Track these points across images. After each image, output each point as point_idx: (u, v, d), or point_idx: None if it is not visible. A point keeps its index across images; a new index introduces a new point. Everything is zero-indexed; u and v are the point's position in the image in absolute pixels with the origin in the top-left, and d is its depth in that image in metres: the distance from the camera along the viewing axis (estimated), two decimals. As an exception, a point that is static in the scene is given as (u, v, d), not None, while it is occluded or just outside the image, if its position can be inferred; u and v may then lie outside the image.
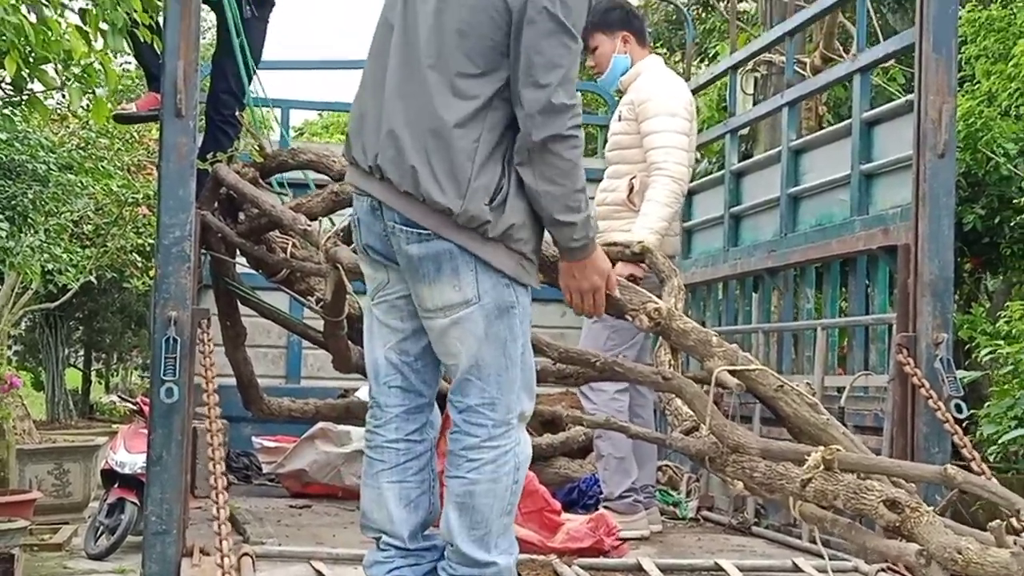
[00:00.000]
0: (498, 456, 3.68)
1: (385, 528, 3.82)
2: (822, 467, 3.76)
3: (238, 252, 5.72)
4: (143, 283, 14.08)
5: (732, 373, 4.13)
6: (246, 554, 4.37)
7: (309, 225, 5.11)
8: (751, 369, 4.21)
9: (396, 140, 3.61)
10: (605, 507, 5.91)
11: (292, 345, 8.65)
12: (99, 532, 11.39)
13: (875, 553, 3.90)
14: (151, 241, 11.66)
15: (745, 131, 10.44)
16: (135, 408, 9.78)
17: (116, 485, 10.64)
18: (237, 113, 5.95)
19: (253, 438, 7.56)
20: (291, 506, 6.52)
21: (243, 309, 6.46)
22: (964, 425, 5.10)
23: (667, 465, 7.40)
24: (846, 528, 3.80)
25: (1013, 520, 3.60)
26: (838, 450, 3.77)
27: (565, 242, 3.72)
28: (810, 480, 3.77)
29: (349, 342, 5.52)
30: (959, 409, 4.90)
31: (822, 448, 3.79)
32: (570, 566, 4.67)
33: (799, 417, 4.13)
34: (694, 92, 9.48)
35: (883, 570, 4.84)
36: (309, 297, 5.53)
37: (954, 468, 3.81)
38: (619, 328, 5.69)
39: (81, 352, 20.79)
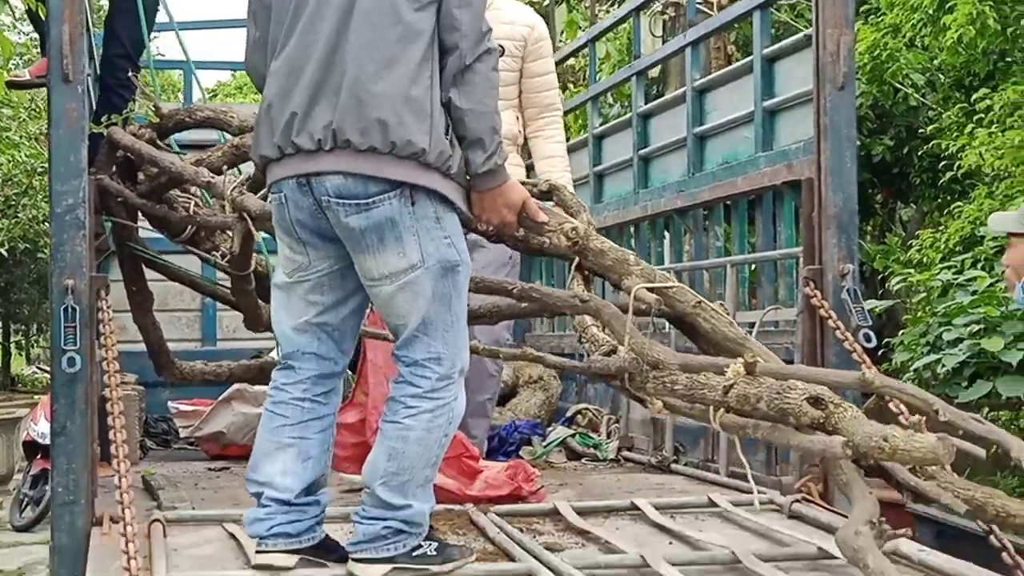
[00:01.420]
0: (436, 407, 3.73)
1: (273, 481, 3.81)
2: (744, 373, 3.77)
3: (140, 216, 5.64)
4: (58, 252, 13.90)
5: (650, 290, 4.12)
6: (156, 520, 4.32)
7: (213, 178, 5.03)
8: (669, 286, 4.21)
9: (356, 95, 3.60)
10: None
11: (207, 308, 8.59)
12: (24, 504, 11.29)
13: (800, 450, 3.91)
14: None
15: (656, 73, 10.44)
16: (54, 379, 9.66)
17: (38, 456, 10.53)
18: (131, 75, 5.87)
19: (169, 403, 7.49)
20: (210, 469, 6.47)
21: (151, 274, 6.39)
22: (880, 354, 5.15)
23: (587, 408, 7.43)
24: (769, 431, 3.80)
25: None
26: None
27: (484, 165, 3.75)
28: (732, 386, 3.78)
29: (259, 299, 5.48)
30: (867, 339, 4.92)
31: (742, 358, 3.80)
32: (486, 514, 4.66)
33: (717, 332, 4.14)
34: (600, 35, 9.51)
35: (798, 500, 4.88)
36: (215, 252, 5.47)
37: (872, 373, 3.86)
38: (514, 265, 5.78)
39: (-1, 324, 20.57)
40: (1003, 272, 5.51)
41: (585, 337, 4.34)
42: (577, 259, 4.40)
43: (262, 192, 4.40)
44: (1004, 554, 4.04)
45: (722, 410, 3.85)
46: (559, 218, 4.19)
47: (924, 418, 3.51)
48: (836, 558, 4.09)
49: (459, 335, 3.80)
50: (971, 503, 3.77)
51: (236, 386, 6.99)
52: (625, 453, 6.78)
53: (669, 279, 4.29)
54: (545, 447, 6.93)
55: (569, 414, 7.48)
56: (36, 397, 14.68)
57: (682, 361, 4.04)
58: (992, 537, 4.15)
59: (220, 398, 7.01)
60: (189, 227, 5.48)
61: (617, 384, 4.21)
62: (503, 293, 4.70)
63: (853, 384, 3.75)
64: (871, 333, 4.96)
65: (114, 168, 5.50)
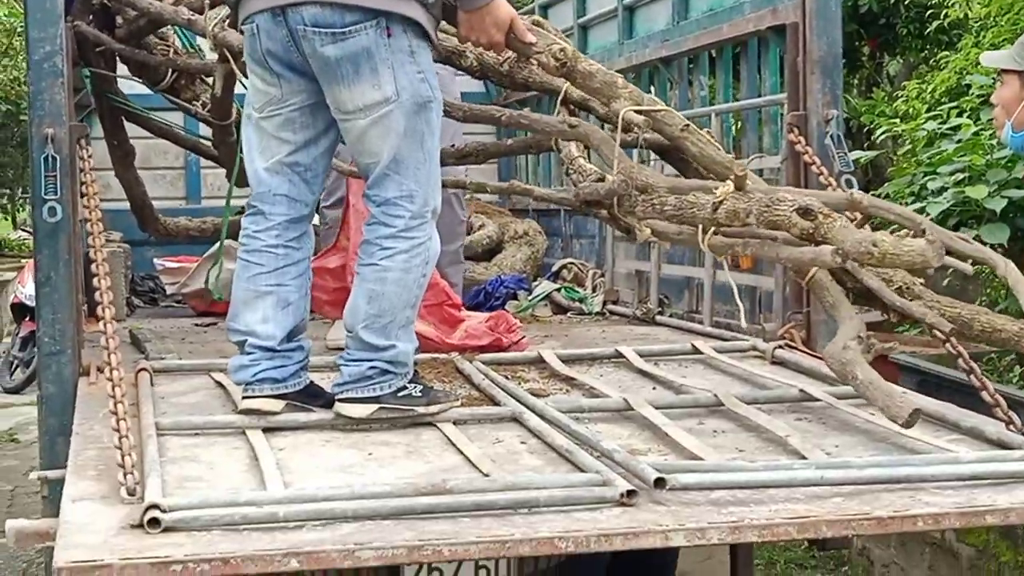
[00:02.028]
0: (412, 247, 3.74)
1: (255, 329, 3.84)
2: (733, 189, 3.76)
3: (119, 65, 5.57)
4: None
5: (639, 113, 4.08)
6: (143, 369, 4.35)
7: (193, 15, 4.96)
8: (657, 110, 4.18)
9: None
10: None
11: (190, 165, 8.52)
12: (14, 366, 11.38)
13: (790, 262, 3.91)
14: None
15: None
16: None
17: (27, 318, 10.57)
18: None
19: (155, 260, 7.49)
20: (197, 324, 6.49)
21: (133, 133, 6.35)
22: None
23: (572, 263, 7.46)
24: (759, 246, 3.82)
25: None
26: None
27: None
28: (721, 203, 3.76)
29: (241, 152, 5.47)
30: (849, 184, 4.91)
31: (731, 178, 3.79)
32: (471, 362, 4.68)
33: (705, 156, 4.12)
34: None
35: (780, 347, 4.91)
36: (195, 103, 5.41)
37: (860, 193, 3.85)
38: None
39: (-16, 189, 20.45)
40: (990, 120, 5.48)
41: (572, 168, 4.30)
42: (563, 93, 4.35)
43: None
44: (984, 393, 4.07)
45: (711, 231, 3.83)
46: (547, 39, 4.13)
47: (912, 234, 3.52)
48: (817, 400, 4.13)
49: (431, 174, 3.79)
50: (957, 320, 3.80)
51: (222, 242, 6.97)
52: (610, 306, 6.82)
53: (658, 102, 4.25)
54: (531, 301, 6.96)
55: (555, 269, 7.51)
56: (23, 261, 14.66)
57: (671, 184, 4.04)
58: (972, 377, 4.18)
59: (206, 254, 7.00)
60: (169, 73, 5.41)
61: (605, 215, 4.19)
62: (490, 121, 4.67)
63: (841, 204, 3.75)
64: (853, 179, 4.95)
65: (91, 17, 5.42)
